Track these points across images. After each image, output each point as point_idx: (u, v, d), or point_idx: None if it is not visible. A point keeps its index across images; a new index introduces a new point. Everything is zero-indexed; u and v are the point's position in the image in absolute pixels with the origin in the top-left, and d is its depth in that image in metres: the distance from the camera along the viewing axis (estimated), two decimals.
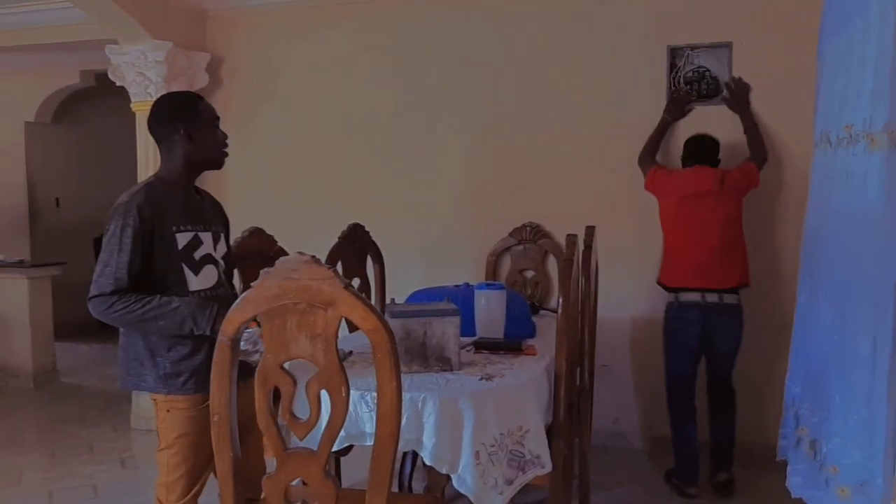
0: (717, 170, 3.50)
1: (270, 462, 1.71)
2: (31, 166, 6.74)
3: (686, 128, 3.87)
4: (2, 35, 5.36)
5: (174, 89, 4.33)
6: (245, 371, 2.17)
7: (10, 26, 5.24)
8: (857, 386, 1.94)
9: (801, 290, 2.65)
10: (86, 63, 6.08)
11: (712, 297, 3.38)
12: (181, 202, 2.18)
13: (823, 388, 2.19)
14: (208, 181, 4.74)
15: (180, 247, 2.12)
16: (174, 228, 2.11)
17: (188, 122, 2.17)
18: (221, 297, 2.20)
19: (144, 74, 4.31)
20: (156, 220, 2.06)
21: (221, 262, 2.28)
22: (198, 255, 2.16)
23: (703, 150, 3.55)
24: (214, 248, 2.24)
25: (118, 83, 4.48)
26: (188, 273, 2.13)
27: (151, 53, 4.28)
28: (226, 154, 2.31)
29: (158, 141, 2.20)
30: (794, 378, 2.57)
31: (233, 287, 2.41)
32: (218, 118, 2.28)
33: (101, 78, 5.93)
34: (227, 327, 1.57)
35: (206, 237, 2.21)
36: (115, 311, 2.02)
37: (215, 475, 2.22)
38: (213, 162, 2.28)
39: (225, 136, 2.28)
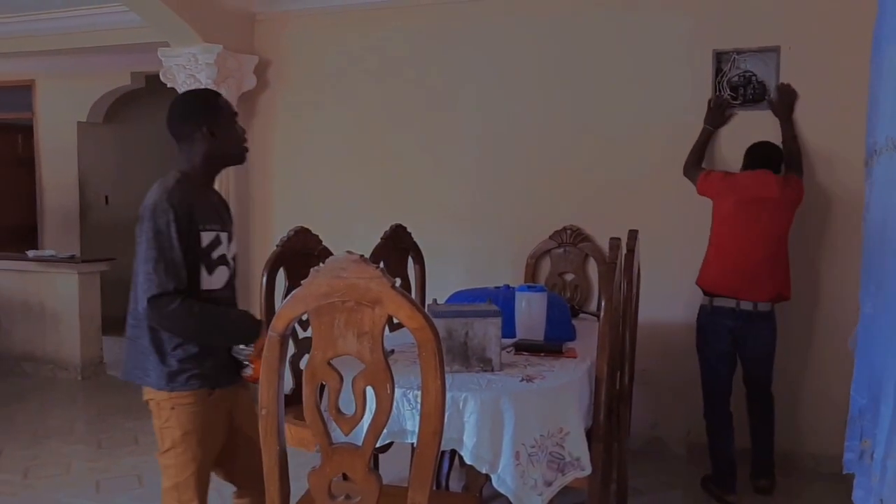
0: (780, 176, 3.45)
1: (308, 458, 1.74)
2: (83, 165, 6.93)
3: (729, 135, 3.84)
4: (56, 38, 5.54)
5: (223, 91, 4.43)
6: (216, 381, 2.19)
7: (64, 30, 5.42)
8: None
9: (864, 300, 2.61)
10: (136, 65, 6.23)
11: (747, 306, 3.35)
12: (205, 200, 2.19)
13: (880, 399, 2.15)
14: (254, 183, 4.87)
15: (203, 245, 2.12)
16: (200, 227, 2.11)
17: (210, 119, 2.16)
18: (225, 299, 2.21)
19: (195, 76, 4.42)
20: (187, 217, 2.06)
21: (232, 262, 2.27)
22: (215, 254, 2.16)
23: (766, 155, 3.50)
24: (228, 249, 2.23)
25: (169, 85, 4.60)
26: (203, 272, 2.12)
27: (202, 56, 4.38)
28: (247, 149, 2.29)
29: (179, 139, 2.17)
30: (859, 389, 2.52)
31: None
32: (236, 114, 2.27)
33: (151, 79, 6.09)
34: (278, 323, 1.61)
35: (224, 237, 2.21)
36: (178, 312, 2.01)
37: (218, 475, 2.28)
38: (236, 157, 2.27)
39: (243, 131, 2.27)
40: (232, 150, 2.23)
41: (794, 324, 3.65)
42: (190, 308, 2.03)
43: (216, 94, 2.29)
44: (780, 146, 3.57)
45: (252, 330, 2.17)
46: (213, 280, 2.16)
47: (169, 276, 2.01)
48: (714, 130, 3.84)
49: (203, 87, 4.35)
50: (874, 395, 2.29)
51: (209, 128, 2.15)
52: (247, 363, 2.17)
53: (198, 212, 2.11)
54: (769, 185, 3.38)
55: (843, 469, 2.57)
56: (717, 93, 3.87)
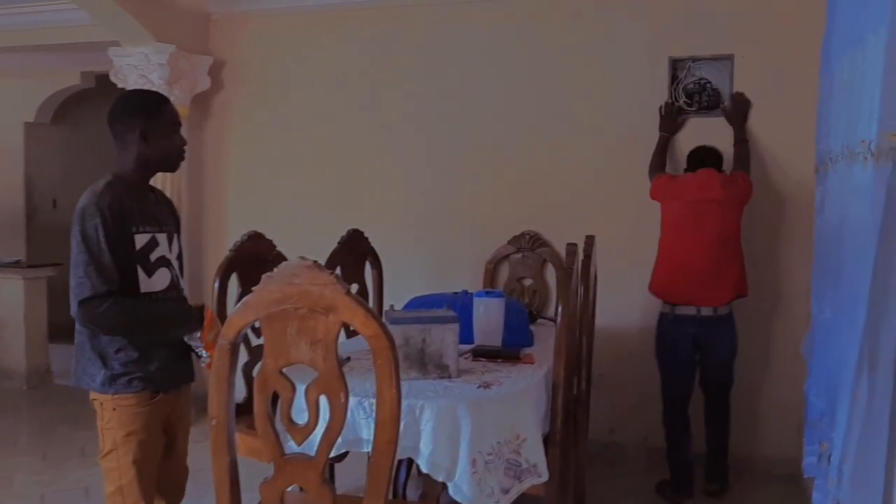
0: (723, 174, 3.50)
1: (260, 467, 1.70)
2: (30, 167, 6.72)
3: (686, 140, 3.88)
4: (2, 35, 5.36)
5: (176, 92, 4.34)
6: (186, 375, 2.23)
7: (11, 27, 5.24)
8: (857, 401, 1.94)
9: (822, 305, 2.65)
10: (87, 64, 6.07)
11: (707, 311, 3.38)
12: (139, 202, 2.14)
13: (836, 403, 2.18)
14: (208, 185, 4.78)
15: (137, 248, 2.08)
16: (133, 229, 2.07)
17: (146, 122, 2.10)
18: (174, 300, 2.19)
19: (147, 77, 4.31)
20: (118, 220, 2.03)
21: (175, 263, 2.24)
22: (153, 256, 2.12)
23: (706, 156, 3.55)
24: (169, 250, 2.20)
25: (120, 85, 4.48)
26: (142, 275, 2.09)
27: (154, 56, 4.28)
28: (181, 159, 2.23)
29: (114, 137, 2.14)
30: (819, 394, 2.56)
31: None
32: (179, 124, 2.21)
33: (102, 79, 5.93)
34: (228, 331, 1.57)
35: (162, 238, 2.17)
36: (110, 312, 1.99)
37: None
38: (166, 165, 2.21)
39: (183, 143, 2.21)
40: (163, 157, 2.17)
41: (748, 327, 3.71)
42: (122, 306, 2.01)
43: (161, 100, 2.21)
44: (719, 149, 3.60)
45: (189, 319, 2.14)
46: (155, 282, 2.13)
47: (100, 278, 1.99)
48: (670, 136, 3.89)
49: (154, 87, 4.26)
50: (832, 400, 2.33)
51: (143, 131, 2.10)
52: (202, 353, 2.14)
53: (130, 214, 2.08)
54: (712, 185, 3.42)
55: (804, 473, 2.61)
56: (668, 99, 3.92)
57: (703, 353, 3.45)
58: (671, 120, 3.90)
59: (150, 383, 2.11)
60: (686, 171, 3.60)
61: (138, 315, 2.07)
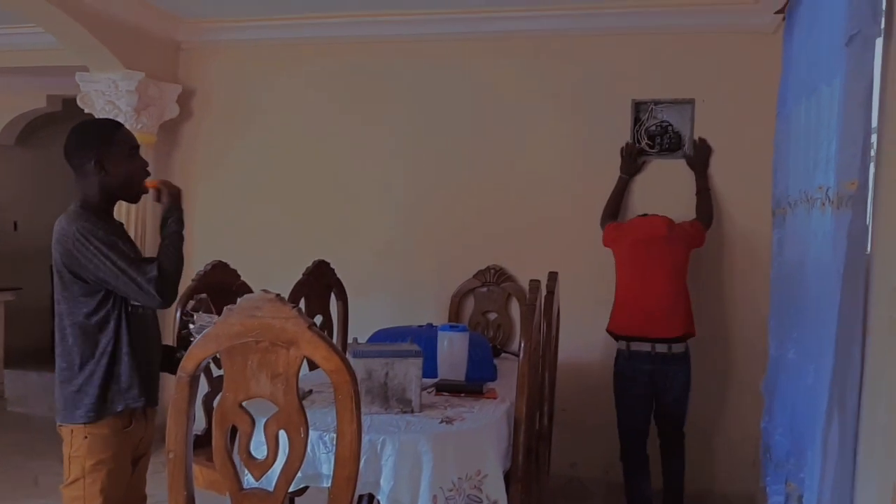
0: (668, 218, 3.60)
1: (220, 500, 1.68)
2: None
3: (645, 182, 3.99)
4: None
5: (144, 119, 4.32)
6: (154, 397, 2.22)
7: None
8: (829, 444, 1.98)
9: (783, 344, 2.70)
10: (53, 88, 6.00)
11: (662, 348, 3.43)
12: (107, 227, 2.14)
13: (805, 445, 2.22)
14: None
15: None
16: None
17: (101, 151, 2.11)
18: (149, 317, 2.21)
19: (114, 103, 4.29)
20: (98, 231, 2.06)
21: None
22: None
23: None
24: None
25: (87, 110, 4.45)
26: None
27: (122, 83, 4.26)
28: (142, 188, 2.22)
29: (74, 170, 2.15)
30: (785, 433, 2.60)
31: None
32: (136, 147, 2.21)
33: (68, 103, 5.87)
34: (188, 363, 1.56)
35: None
36: (167, 263, 2.09)
37: None
38: (126, 194, 2.21)
39: (144, 164, 2.22)
40: (123, 185, 2.17)
41: (703, 363, 3.77)
42: (165, 255, 2.13)
43: (113, 126, 2.22)
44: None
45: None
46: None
47: (130, 259, 2.06)
48: (630, 179, 3.97)
49: (122, 113, 4.24)
50: (797, 440, 2.37)
51: (99, 160, 2.11)
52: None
53: (106, 233, 2.09)
54: (658, 224, 3.53)
55: None
56: (629, 141, 4.01)
57: (658, 390, 3.48)
58: (631, 161, 3.98)
59: (123, 413, 2.11)
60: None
61: (176, 250, 2.16)
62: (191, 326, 2.17)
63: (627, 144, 4.00)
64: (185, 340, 2.20)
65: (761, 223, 3.70)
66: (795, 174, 2.77)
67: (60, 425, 2.12)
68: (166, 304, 2.08)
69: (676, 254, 3.49)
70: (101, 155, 2.11)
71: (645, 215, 3.67)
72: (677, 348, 3.45)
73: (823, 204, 2.19)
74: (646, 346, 3.43)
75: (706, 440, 3.87)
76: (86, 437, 2.07)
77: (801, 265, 2.57)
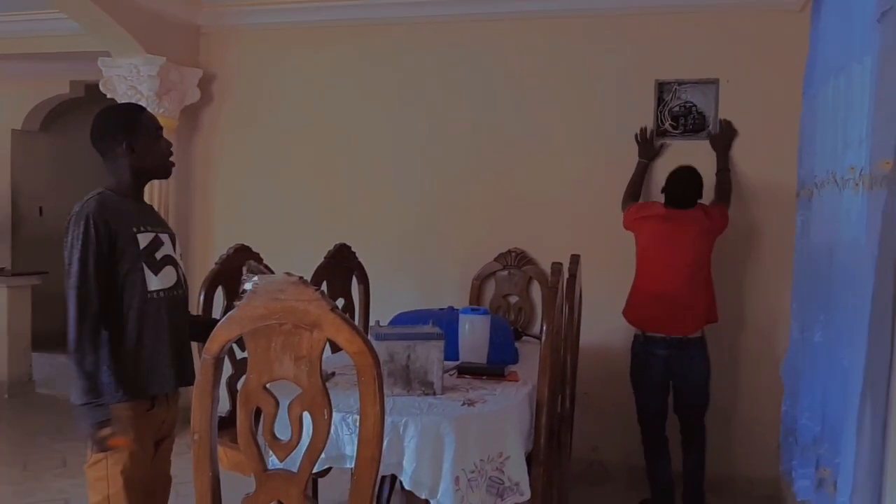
0: (696, 210, 3.47)
1: (244, 480, 1.70)
2: (16, 174, 6.68)
3: (668, 165, 3.91)
4: None
5: (166, 104, 4.35)
6: (186, 377, 2.22)
7: (1, 35, 5.23)
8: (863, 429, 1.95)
9: (809, 327, 2.66)
10: (76, 73, 6.06)
11: (676, 335, 3.39)
12: (134, 208, 2.19)
13: (840, 430, 2.18)
14: (195, 198, 4.77)
15: (141, 246, 2.12)
16: (134, 229, 2.12)
17: (129, 135, 2.15)
18: (179, 298, 2.22)
19: (136, 88, 4.31)
20: (112, 223, 2.06)
21: (181, 264, 2.29)
22: (159, 255, 2.16)
23: (683, 188, 3.48)
24: (174, 250, 2.24)
25: (109, 95, 4.48)
26: (148, 273, 2.12)
27: (144, 67, 4.28)
28: (171, 164, 2.29)
29: (101, 154, 2.19)
30: (813, 417, 2.56)
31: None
32: (161, 128, 2.26)
33: (91, 89, 5.92)
34: (212, 345, 1.57)
35: (166, 239, 2.21)
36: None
37: None
38: (159, 172, 2.27)
39: (169, 145, 2.26)
40: (153, 164, 2.23)
41: (724, 348, 3.74)
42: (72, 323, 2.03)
43: (137, 109, 2.27)
44: (699, 175, 3.53)
45: (97, 409, 2.04)
46: (161, 280, 2.16)
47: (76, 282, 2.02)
48: (648, 163, 3.92)
49: (144, 98, 4.26)
50: (830, 424, 2.33)
51: (128, 144, 2.15)
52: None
53: (127, 216, 2.12)
54: (685, 217, 3.44)
55: (797, 496, 2.61)
56: (644, 125, 3.95)
57: (675, 376, 3.43)
58: (648, 146, 3.93)
59: (145, 394, 2.13)
60: (664, 190, 3.55)
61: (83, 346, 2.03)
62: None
63: (642, 129, 3.95)
64: None
65: (784, 205, 3.65)
66: (822, 154, 2.72)
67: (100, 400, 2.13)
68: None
69: (702, 245, 3.42)
70: (129, 138, 2.15)
71: (675, 183, 3.50)
72: (693, 334, 3.40)
73: (857, 184, 2.15)
74: (660, 332, 3.40)
75: (726, 424, 3.84)
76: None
77: (829, 247, 2.53)
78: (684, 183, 3.49)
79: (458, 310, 3.04)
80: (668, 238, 3.43)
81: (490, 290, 4.27)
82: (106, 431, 2.00)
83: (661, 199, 3.58)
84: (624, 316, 3.57)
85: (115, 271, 2.07)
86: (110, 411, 2.02)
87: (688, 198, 3.48)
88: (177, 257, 2.25)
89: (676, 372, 3.43)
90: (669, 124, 3.98)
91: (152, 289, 2.12)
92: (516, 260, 4.18)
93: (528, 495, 2.20)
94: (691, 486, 3.50)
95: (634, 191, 3.84)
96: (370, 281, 3.68)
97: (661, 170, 3.93)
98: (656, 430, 3.51)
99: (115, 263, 2.07)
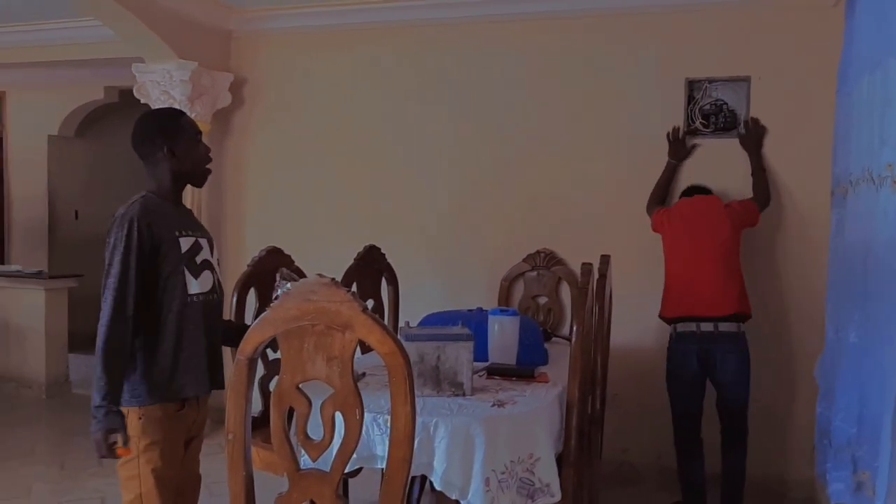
0: (715, 198, 3.55)
1: (276, 480, 1.72)
2: (53, 179, 6.83)
3: (700, 163, 3.90)
4: (29, 51, 5.48)
5: (198, 108, 4.41)
6: (219, 381, 2.25)
7: (37, 42, 5.35)
8: None
9: (844, 327, 2.62)
10: (110, 79, 6.18)
11: (707, 326, 3.34)
12: (176, 212, 2.22)
13: (879, 432, 2.14)
14: (227, 201, 4.83)
15: (183, 250, 2.14)
16: (176, 233, 2.14)
17: (170, 139, 2.18)
18: (214, 302, 2.24)
19: (169, 93, 4.38)
20: (155, 227, 2.09)
21: (217, 268, 2.31)
22: (199, 259, 2.19)
23: (698, 188, 3.64)
24: (211, 255, 2.27)
25: (143, 101, 4.56)
26: (188, 277, 2.14)
27: (177, 72, 4.35)
28: (208, 171, 2.31)
29: (142, 158, 2.21)
30: (847, 419, 2.52)
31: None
32: (200, 133, 2.29)
33: (125, 94, 6.04)
34: (246, 347, 1.59)
35: (205, 243, 2.24)
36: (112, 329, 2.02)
37: None
38: (195, 178, 2.28)
39: (208, 150, 2.29)
40: (192, 170, 2.25)
41: (758, 348, 3.68)
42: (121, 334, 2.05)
43: (178, 114, 2.31)
44: (707, 187, 3.66)
45: (110, 414, 2.04)
46: (201, 284, 2.18)
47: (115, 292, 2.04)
48: (678, 164, 3.89)
49: (176, 103, 4.33)
50: (868, 426, 2.29)
51: (169, 148, 2.18)
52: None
53: (170, 220, 2.15)
54: (709, 205, 3.48)
55: (831, 499, 2.57)
56: (676, 125, 3.92)
57: (711, 372, 3.39)
58: (680, 146, 3.90)
59: (177, 395, 2.15)
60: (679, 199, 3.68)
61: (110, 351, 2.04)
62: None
63: (674, 129, 3.92)
64: None
65: (819, 203, 3.60)
66: (858, 152, 2.68)
67: (119, 407, 2.16)
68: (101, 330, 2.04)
69: (724, 234, 3.40)
70: (170, 142, 2.18)
71: (688, 194, 3.60)
72: (724, 327, 3.34)
73: (895, 182, 2.11)
74: (691, 326, 3.36)
75: (760, 425, 3.79)
76: (140, 419, 2.11)
77: (864, 245, 2.49)
78: (694, 186, 3.67)
79: (487, 311, 3.04)
80: (690, 225, 3.45)
81: (519, 290, 4.26)
82: (114, 439, 2.01)
83: None
84: (661, 317, 3.54)
85: (156, 274, 2.10)
86: (123, 419, 2.04)
87: (700, 188, 3.60)
88: (214, 262, 2.27)
89: (711, 367, 3.37)
90: (700, 123, 3.94)
91: (192, 292, 2.14)
92: (545, 260, 4.17)
93: (558, 496, 2.19)
94: (729, 491, 3.44)
95: (661, 194, 3.83)
96: (399, 282, 3.69)
97: (691, 170, 3.90)
98: (691, 430, 3.47)
99: (157, 267, 2.09)
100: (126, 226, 2.05)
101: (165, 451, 2.14)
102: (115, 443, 2.02)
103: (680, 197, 3.72)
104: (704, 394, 3.46)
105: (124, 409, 2.12)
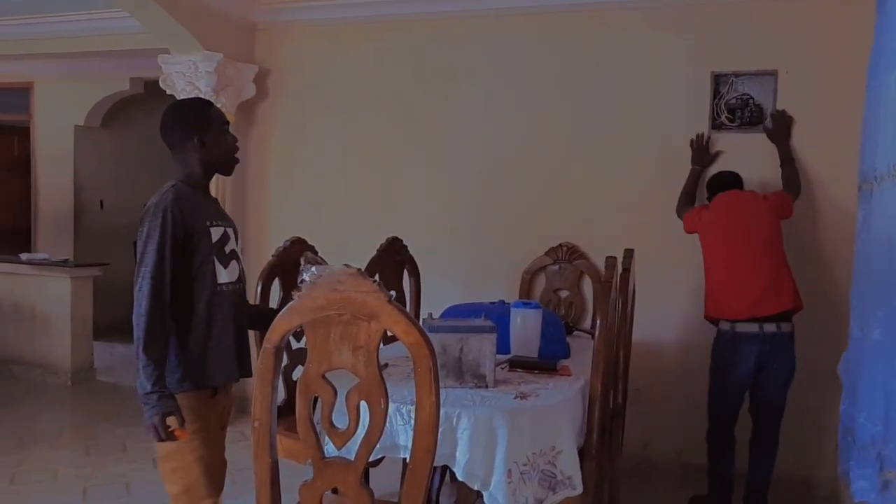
0: (751, 192, 3.48)
1: (298, 469, 1.73)
2: (79, 169, 6.92)
3: (727, 158, 3.85)
4: (57, 42, 5.55)
5: (223, 99, 4.44)
6: (247, 369, 2.27)
7: (64, 33, 5.43)
8: None
9: (868, 325, 2.59)
10: (136, 70, 6.25)
11: (770, 327, 3.24)
12: (205, 201, 2.24)
13: None
14: (251, 191, 4.87)
15: (213, 240, 2.16)
16: (207, 223, 2.16)
17: (201, 129, 2.19)
18: (240, 292, 2.27)
19: (194, 84, 4.41)
20: (188, 216, 2.11)
21: (242, 258, 2.33)
22: (227, 249, 2.21)
23: (726, 179, 3.54)
24: (236, 245, 2.29)
25: (168, 91, 4.59)
26: (218, 266, 2.17)
27: (202, 64, 4.38)
28: (236, 160, 2.32)
29: (171, 147, 2.22)
30: (871, 417, 2.49)
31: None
32: (227, 123, 2.30)
33: (150, 85, 6.10)
34: (273, 335, 1.60)
35: (231, 233, 2.26)
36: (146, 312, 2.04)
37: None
38: (224, 167, 2.30)
39: (235, 140, 2.31)
40: (221, 159, 2.27)
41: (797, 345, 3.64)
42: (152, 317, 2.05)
43: (207, 104, 2.32)
44: (736, 173, 3.58)
45: (161, 398, 2.05)
46: (229, 274, 2.21)
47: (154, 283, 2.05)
48: (702, 169, 3.85)
49: (202, 94, 4.36)
50: (894, 425, 2.27)
51: (199, 137, 2.19)
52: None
53: (202, 209, 2.17)
54: (746, 199, 3.41)
55: (854, 497, 2.55)
56: (700, 132, 3.89)
57: (762, 373, 3.30)
58: (703, 152, 3.87)
59: (208, 382, 2.17)
60: (709, 198, 3.57)
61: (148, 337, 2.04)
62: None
63: (698, 136, 3.88)
64: None
65: (846, 199, 3.56)
66: (884, 148, 2.64)
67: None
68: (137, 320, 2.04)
69: (769, 226, 3.33)
70: (200, 131, 2.19)
71: (720, 187, 3.52)
72: (786, 327, 3.27)
73: None
74: (753, 327, 3.24)
75: (784, 423, 3.75)
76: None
77: (889, 243, 2.46)
78: (725, 176, 3.56)
79: (509, 303, 3.04)
80: (734, 223, 3.35)
81: (540, 284, 4.26)
82: (171, 421, 2.03)
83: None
84: (707, 318, 3.46)
85: (189, 264, 2.11)
86: (176, 402, 2.06)
87: (732, 179, 3.51)
88: (239, 251, 2.29)
89: (765, 369, 3.29)
90: (726, 117, 3.90)
91: (221, 282, 2.17)
92: (567, 254, 4.16)
93: (580, 490, 2.19)
94: (755, 490, 3.41)
95: (689, 200, 3.79)
96: (421, 274, 3.70)
97: (716, 165, 3.86)
98: (728, 427, 3.42)
99: (189, 256, 2.11)
100: (160, 214, 2.06)
101: (208, 439, 2.16)
102: (171, 425, 2.03)
103: (709, 187, 3.62)
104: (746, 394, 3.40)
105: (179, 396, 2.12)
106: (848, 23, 3.63)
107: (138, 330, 2.03)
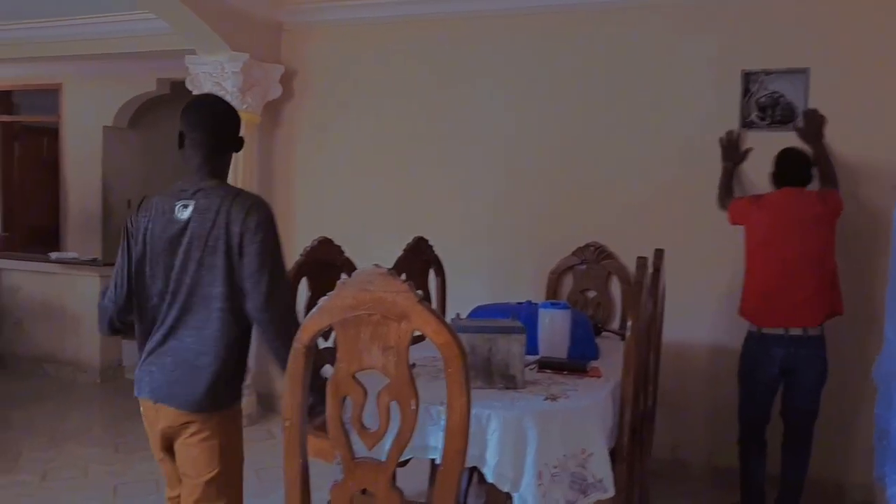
0: (813, 191, 3.34)
1: (326, 470, 1.73)
2: (107, 169, 6.98)
3: (758, 158, 3.77)
4: (85, 43, 5.61)
5: (249, 100, 4.46)
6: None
7: (93, 35, 5.49)
8: None
9: None
10: (163, 71, 6.29)
11: (796, 331, 3.20)
12: None
13: None
14: (277, 191, 4.88)
15: None
16: None
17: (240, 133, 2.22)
18: None
19: (221, 84, 4.43)
20: None
21: None
22: None
23: (796, 164, 3.37)
24: None
25: (195, 92, 4.61)
26: None
27: (229, 64, 4.40)
28: None
29: (220, 145, 2.14)
30: None
31: None
32: None
33: (176, 86, 6.14)
34: (303, 335, 1.60)
35: None
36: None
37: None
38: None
39: None
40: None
41: (833, 349, 3.57)
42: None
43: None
44: (807, 154, 3.45)
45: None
46: None
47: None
48: (735, 166, 3.79)
49: (228, 95, 4.37)
50: None
51: (241, 142, 2.22)
52: None
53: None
54: (805, 202, 3.27)
55: (890, 502, 2.50)
56: (729, 130, 3.82)
57: (790, 376, 3.26)
58: (733, 150, 3.80)
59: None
60: (773, 173, 3.42)
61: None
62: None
63: (728, 133, 3.82)
64: None
65: (881, 198, 3.48)
66: None
67: (199, 412, 2.08)
68: (267, 315, 2.02)
69: (820, 238, 3.23)
70: (240, 137, 2.21)
71: (785, 179, 3.37)
72: (814, 331, 3.22)
73: None
74: (779, 330, 3.22)
75: (817, 427, 3.69)
76: (233, 421, 2.15)
77: None
78: (795, 159, 3.38)
79: (536, 304, 3.02)
80: (783, 227, 3.25)
81: (567, 284, 4.22)
82: None
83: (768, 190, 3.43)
84: (741, 314, 3.40)
85: None
86: None
87: (802, 173, 3.35)
88: None
89: (792, 372, 3.24)
90: (756, 115, 3.84)
91: None
92: (595, 254, 4.12)
93: (611, 492, 2.16)
94: (788, 494, 3.35)
95: (727, 191, 3.70)
96: (446, 274, 3.69)
97: (751, 162, 3.80)
98: (757, 431, 3.37)
99: None
100: (274, 221, 2.11)
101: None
102: None
103: (776, 160, 3.42)
104: (777, 395, 3.35)
105: (218, 414, 2.09)
106: (880, 19, 3.55)
107: (295, 326, 1.87)
